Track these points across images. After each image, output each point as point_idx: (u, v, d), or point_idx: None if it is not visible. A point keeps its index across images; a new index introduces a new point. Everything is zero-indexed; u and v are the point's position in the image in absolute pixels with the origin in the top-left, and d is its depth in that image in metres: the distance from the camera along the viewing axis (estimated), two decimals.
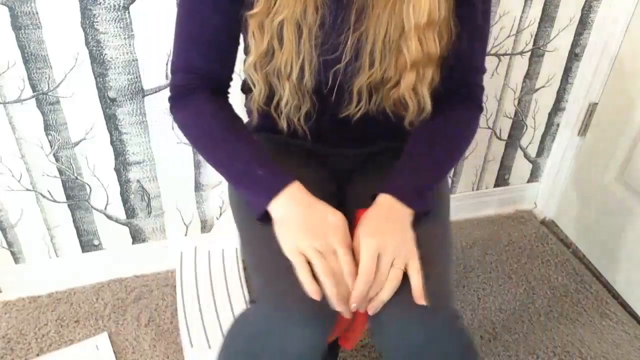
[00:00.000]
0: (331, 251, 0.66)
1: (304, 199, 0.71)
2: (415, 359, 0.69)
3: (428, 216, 0.75)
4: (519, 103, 1.49)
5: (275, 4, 0.70)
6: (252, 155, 0.75)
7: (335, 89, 0.78)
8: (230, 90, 0.85)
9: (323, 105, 0.81)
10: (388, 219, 0.70)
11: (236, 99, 0.92)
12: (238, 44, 0.80)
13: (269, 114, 0.82)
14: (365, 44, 0.74)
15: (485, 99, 0.86)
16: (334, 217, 0.69)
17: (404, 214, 0.71)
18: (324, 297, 0.65)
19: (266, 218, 0.72)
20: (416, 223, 0.73)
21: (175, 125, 1.23)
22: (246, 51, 0.79)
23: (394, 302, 0.66)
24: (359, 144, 0.90)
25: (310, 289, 0.64)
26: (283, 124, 0.82)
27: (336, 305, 0.64)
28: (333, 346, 0.76)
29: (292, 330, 0.65)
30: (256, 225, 0.74)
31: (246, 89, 0.87)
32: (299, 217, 0.69)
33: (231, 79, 0.84)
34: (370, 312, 0.67)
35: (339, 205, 0.91)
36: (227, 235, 1.34)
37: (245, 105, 0.93)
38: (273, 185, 0.71)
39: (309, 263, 0.66)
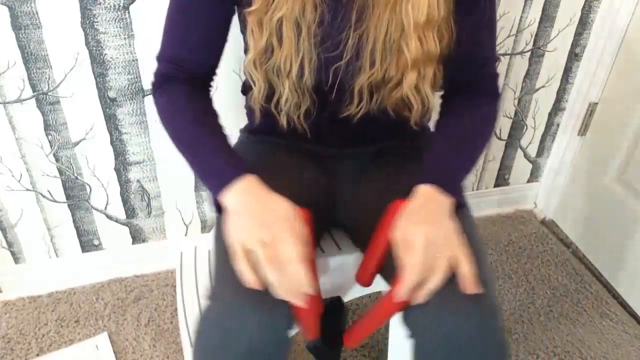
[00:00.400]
0: (276, 241, 0.65)
1: (256, 191, 0.70)
2: (450, 350, 0.68)
3: (464, 206, 0.75)
4: (519, 103, 1.49)
5: (273, 1, 0.70)
6: (214, 146, 0.75)
7: (336, 87, 0.79)
8: (213, 84, 0.85)
9: (323, 103, 0.81)
10: (433, 209, 0.70)
11: (236, 99, 0.92)
12: (226, 40, 0.81)
13: (270, 112, 0.82)
14: (366, 44, 0.74)
15: (500, 86, 0.86)
16: (283, 208, 0.68)
17: (446, 204, 0.71)
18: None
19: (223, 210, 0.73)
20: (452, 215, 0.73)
21: None
22: (246, 51, 0.79)
23: (439, 291, 0.65)
24: (360, 144, 0.90)
25: (247, 279, 0.64)
26: (283, 121, 0.82)
27: (278, 294, 0.63)
28: (335, 345, 0.76)
29: (248, 324, 0.64)
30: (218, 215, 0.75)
31: (247, 89, 0.87)
32: (247, 209, 0.69)
33: (215, 74, 0.84)
34: (419, 301, 0.65)
35: (332, 208, 0.91)
36: None
37: (246, 106, 0.93)
38: (227, 176, 0.71)
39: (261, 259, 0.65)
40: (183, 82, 0.80)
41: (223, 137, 0.77)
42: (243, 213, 0.69)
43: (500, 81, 0.86)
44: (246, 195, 0.70)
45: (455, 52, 0.76)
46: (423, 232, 0.66)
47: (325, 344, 0.74)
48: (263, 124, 0.86)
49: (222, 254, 0.72)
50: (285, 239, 0.64)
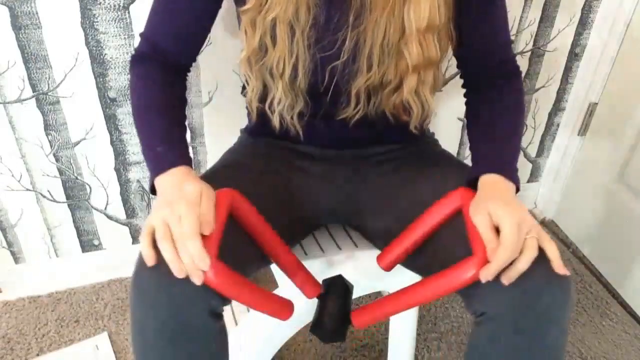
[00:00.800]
0: (176, 218, 0.64)
1: (180, 177, 0.71)
2: (532, 324, 0.66)
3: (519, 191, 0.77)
4: None
5: (267, 1, 0.71)
6: (162, 130, 0.77)
7: (332, 89, 0.79)
8: (189, 73, 0.86)
9: (317, 105, 0.81)
10: (507, 195, 0.71)
11: (237, 99, 0.92)
12: (207, 33, 0.83)
13: (265, 112, 0.82)
14: (364, 46, 0.74)
15: (518, 65, 0.88)
16: (191, 189, 0.67)
17: (512, 189, 0.73)
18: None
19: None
20: None
21: None
22: None
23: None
24: (357, 146, 0.89)
25: (145, 255, 0.64)
26: (276, 122, 0.82)
27: (174, 271, 0.62)
28: (343, 323, 0.75)
29: (165, 300, 0.64)
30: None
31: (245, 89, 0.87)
32: (163, 192, 0.71)
33: (191, 65, 0.86)
34: (506, 282, 0.64)
35: (329, 215, 0.91)
36: None
37: (247, 107, 0.94)
38: (162, 163, 0.73)
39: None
40: (158, 64, 0.81)
41: (177, 127, 0.79)
42: (160, 195, 0.71)
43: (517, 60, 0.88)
44: (170, 181, 0.71)
45: (476, 45, 0.78)
46: (509, 214, 0.65)
47: (330, 322, 0.73)
48: (260, 125, 0.86)
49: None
50: (184, 217, 0.63)
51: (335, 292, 0.76)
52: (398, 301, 0.71)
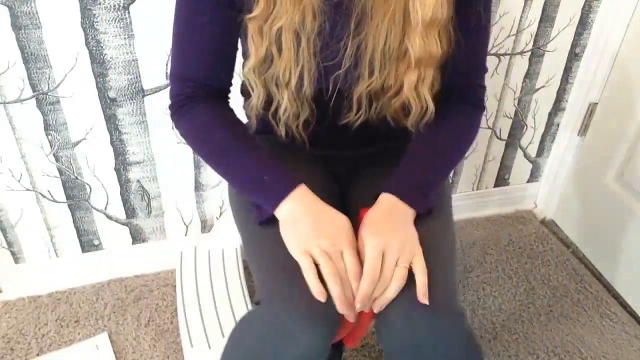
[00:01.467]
0: (338, 253, 0.66)
1: (311, 201, 0.72)
2: (419, 356, 0.69)
3: (430, 214, 0.75)
4: (519, 103, 1.49)
5: (274, 9, 0.70)
6: (258, 162, 0.75)
7: (335, 96, 0.78)
8: (230, 95, 0.85)
9: (322, 112, 0.81)
10: (390, 218, 0.71)
11: (235, 100, 0.92)
12: (236, 49, 0.80)
13: (267, 119, 0.82)
14: (365, 53, 0.74)
15: (485, 99, 0.86)
16: (340, 219, 0.70)
17: (406, 213, 0.72)
18: (329, 299, 0.65)
19: (267, 221, 0.73)
20: (417, 221, 0.73)
21: None
22: (244, 55, 0.79)
23: (400, 299, 0.67)
24: (358, 147, 0.90)
25: (316, 291, 0.64)
26: (282, 131, 0.82)
27: (341, 308, 0.64)
28: (337, 345, 0.76)
29: (299, 332, 0.65)
30: (259, 226, 0.75)
31: (245, 92, 0.87)
32: (306, 219, 0.70)
33: (230, 84, 0.83)
34: (376, 310, 0.67)
35: (339, 205, 0.92)
36: (227, 235, 1.34)
37: (244, 108, 0.93)
38: (280, 189, 0.72)
39: (316, 265, 0.66)
40: (204, 99, 0.79)
41: (260, 149, 0.77)
42: (303, 221, 0.69)
43: (485, 96, 0.86)
44: (302, 205, 0.71)
45: (450, 59, 0.76)
46: (377, 241, 0.67)
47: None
48: (261, 129, 0.86)
49: (271, 259, 0.73)
50: (346, 253, 0.66)
51: None
52: (364, 316, 0.71)
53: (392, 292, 0.66)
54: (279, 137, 0.84)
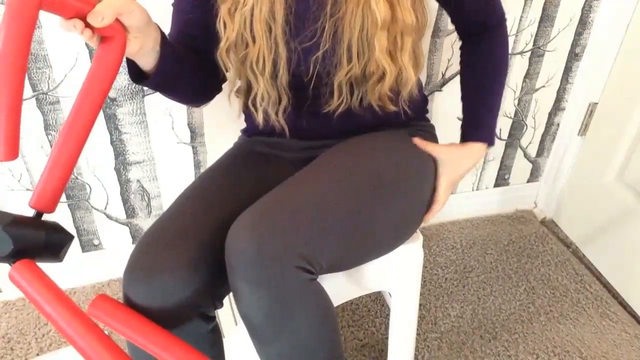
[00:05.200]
0: None
1: None
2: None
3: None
4: (519, 103, 1.49)
5: None
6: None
7: (314, 82, 0.79)
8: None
9: (301, 99, 0.82)
10: (470, 158, 0.91)
11: (236, 100, 0.92)
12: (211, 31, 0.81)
13: (249, 108, 0.84)
14: (342, 37, 0.75)
15: (505, 17, 0.90)
16: None
17: (480, 149, 0.91)
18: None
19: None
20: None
21: (175, 125, 1.23)
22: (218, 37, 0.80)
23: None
24: (342, 136, 0.89)
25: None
26: (260, 118, 0.83)
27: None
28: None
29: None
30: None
31: (239, 90, 0.88)
32: None
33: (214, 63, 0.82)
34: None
35: None
36: None
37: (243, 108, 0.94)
38: None
39: None
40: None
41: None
42: None
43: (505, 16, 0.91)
44: None
45: (464, 14, 0.83)
46: (447, 177, 0.90)
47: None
48: (250, 123, 0.86)
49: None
50: None
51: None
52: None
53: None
54: (265, 132, 0.86)
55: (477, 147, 0.90)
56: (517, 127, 1.54)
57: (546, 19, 1.35)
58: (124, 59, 0.66)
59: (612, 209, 1.43)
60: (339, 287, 0.90)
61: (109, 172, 1.25)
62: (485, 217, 1.67)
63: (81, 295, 1.34)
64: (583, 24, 1.39)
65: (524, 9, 1.31)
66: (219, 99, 1.24)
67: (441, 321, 1.31)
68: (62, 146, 0.62)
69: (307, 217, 0.67)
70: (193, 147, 1.28)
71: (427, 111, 0.98)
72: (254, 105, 0.82)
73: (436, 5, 1.03)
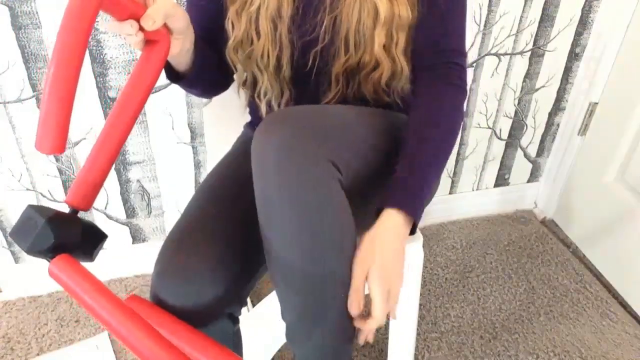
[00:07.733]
0: None
1: None
2: None
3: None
4: (519, 103, 1.49)
5: None
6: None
7: (314, 73, 0.81)
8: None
9: (303, 92, 0.84)
10: (394, 244, 0.70)
11: (236, 99, 0.92)
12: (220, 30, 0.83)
13: (254, 100, 0.87)
14: (340, 29, 0.76)
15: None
16: None
17: (404, 229, 0.70)
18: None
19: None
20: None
21: (175, 125, 1.23)
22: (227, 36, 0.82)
23: None
24: None
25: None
26: (263, 110, 0.86)
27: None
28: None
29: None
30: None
31: (246, 84, 0.89)
32: None
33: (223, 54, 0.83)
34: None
35: None
36: None
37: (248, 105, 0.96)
38: None
39: None
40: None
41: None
42: None
43: (468, 79, 0.84)
44: None
45: (421, 37, 0.78)
46: (380, 282, 0.71)
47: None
48: (254, 115, 0.88)
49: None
50: None
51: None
52: None
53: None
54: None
55: (393, 217, 0.69)
56: (517, 127, 1.54)
57: (546, 18, 1.35)
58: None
59: (612, 209, 1.43)
60: None
61: (109, 172, 1.25)
62: (485, 217, 1.67)
63: None
64: (583, 24, 1.39)
65: (524, 9, 1.31)
66: (219, 99, 1.25)
67: (441, 321, 1.31)
68: (102, 145, 0.64)
69: (334, 126, 0.68)
70: (193, 147, 1.28)
71: None
72: (259, 97, 0.85)
73: None
